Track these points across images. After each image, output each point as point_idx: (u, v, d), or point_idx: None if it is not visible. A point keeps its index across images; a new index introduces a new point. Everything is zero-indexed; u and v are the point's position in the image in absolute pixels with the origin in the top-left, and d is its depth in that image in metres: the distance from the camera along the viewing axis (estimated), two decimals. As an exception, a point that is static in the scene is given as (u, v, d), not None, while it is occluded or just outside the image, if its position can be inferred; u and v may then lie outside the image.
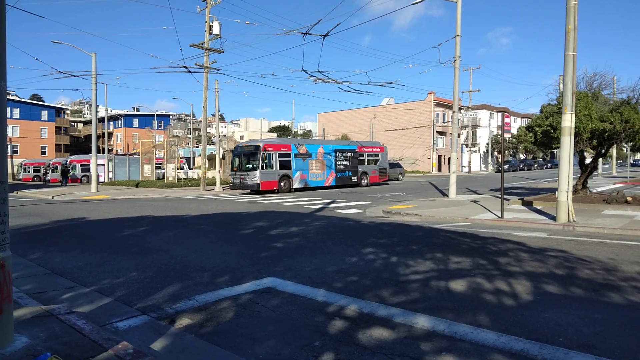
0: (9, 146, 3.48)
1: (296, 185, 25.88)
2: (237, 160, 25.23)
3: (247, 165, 24.43)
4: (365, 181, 30.32)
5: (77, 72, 25.36)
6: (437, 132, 60.08)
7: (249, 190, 25.43)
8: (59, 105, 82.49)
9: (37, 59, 36.25)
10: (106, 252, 7.76)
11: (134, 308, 4.68)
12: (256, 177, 23.59)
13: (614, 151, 36.57)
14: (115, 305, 4.83)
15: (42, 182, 47.22)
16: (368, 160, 30.98)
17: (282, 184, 24.96)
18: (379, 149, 32.53)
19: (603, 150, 15.90)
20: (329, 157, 28.16)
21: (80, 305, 4.78)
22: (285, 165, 25.28)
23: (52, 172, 46.94)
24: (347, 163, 29.26)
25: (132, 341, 3.62)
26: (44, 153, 69.71)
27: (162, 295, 5.13)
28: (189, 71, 21.97)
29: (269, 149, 24.36)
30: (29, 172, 53.98)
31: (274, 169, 24.55)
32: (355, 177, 29.57)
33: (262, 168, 23.80)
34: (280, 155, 25.04)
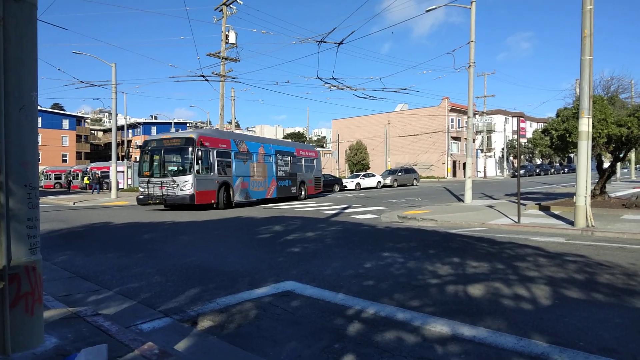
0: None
1: (237, 197, 19.58)
2: (152, 160, 18.11)
3: (172, 168, 17.82)
4: (304, 192, 25.35)
5: (98, 82, 25.99)
6: (451, 137, 59.79)
7: (168, 208, 18.85)
8: (79, 114, 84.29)
9: (59, 69, 37.38)
10: (128, 257, 7.93)
11: (156, 310, 4.80)
12: (188, 184, 16.80)
13: (632, 155, 35.94)
14: (139, 307, 4.95)
15: (64, 189, 48.13)
16: (305, 166, 25.99)
17: (222, 195, 18.46)
18: (314, 154, 27.88)
19: (621, 155, 15.70)
20: (270, 160, 22.40)
21: (105, 308, 4.91)
22: (224, 169, 18.89)
23: (73, 179, 47.87)
24: (287, 169, 23.82)
25: (156, 342, 3.71)
26: (65, 161, 71.26)
27: (183, 298, 5.25)
28: (206, 80, 22.37)
29: (206, 144, 17.73)
30: (50, 179, 55.16)
31: (213, 173, 18.02)
32: (295, 188, 24.31)
33: (198, 172, 17.08)
34: (218, 155, 18.51)
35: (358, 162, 55.73)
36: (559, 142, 15.04)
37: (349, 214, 15.41)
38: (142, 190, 17.76)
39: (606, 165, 16.51)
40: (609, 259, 7.07)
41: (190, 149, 17.07)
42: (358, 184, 36.79)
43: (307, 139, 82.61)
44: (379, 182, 38.43)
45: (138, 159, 18.92)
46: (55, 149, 70.74)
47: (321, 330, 4.09)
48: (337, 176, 44.91)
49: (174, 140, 17.86)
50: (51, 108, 79.44)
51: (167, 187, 17.08)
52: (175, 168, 17.88)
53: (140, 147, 18.92)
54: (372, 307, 4.71)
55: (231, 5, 25.89)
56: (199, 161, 16.99)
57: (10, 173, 3.29)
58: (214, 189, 17.92)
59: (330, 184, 34.61)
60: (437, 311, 4.56)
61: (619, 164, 17.77)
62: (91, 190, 37.65)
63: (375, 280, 5.93)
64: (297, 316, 4.51)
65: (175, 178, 17.07)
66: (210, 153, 17.91)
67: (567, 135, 14.27)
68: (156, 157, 17.98)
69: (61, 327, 4.09)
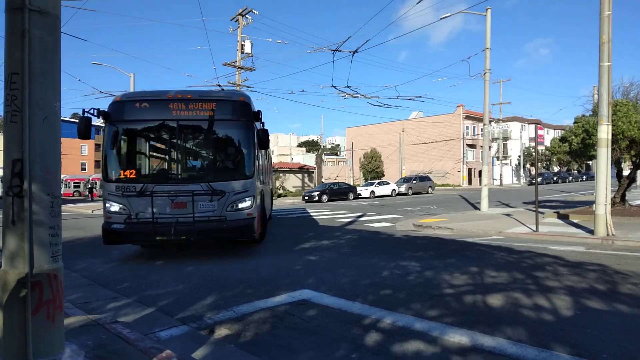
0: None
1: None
2: (146, 146, 9.42)
3: (196, 164, 9.56)
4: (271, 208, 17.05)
5: (117, 92, 26.47)
6: (467, 145, 59.29)
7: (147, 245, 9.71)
8: (98, 124, 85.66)
9: (79, 80, 38.12)
10: (145, 264, 8.00)
11: (174, 318, 4.83)
12: (247, 198, 8.29)
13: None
14: (157, 315, 4.99)
15: (83, 197, 48.81)
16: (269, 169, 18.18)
17: (265, 216, 11.37)
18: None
19: (642, 162, 15.38)
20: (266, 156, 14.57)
21: (123, 315, 4.96)
22: (261, 169, 10.99)
23: (92, 187, 48.57)
24: (266, 172, 15.29)
25: (174, 350, 3.73)
26: (84, 169, 72.65)
27: (200, 306, 5.27)
28: (222, 89, 22.55)
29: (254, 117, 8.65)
30: (69, 187, 56.19)
31: (259, 179, 10.02)
32: (269, 200, 16.01)
33: (256, 177, 8.95)
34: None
35: (372, 170, 55.55)
36: (578, 146, 14.86)
37: (364, 222, 15.34)
38: (119, 209, 7.99)
39: (626, 172, 16.19)
40: (630, 268, 6.91)
41: (245, 125, 8.49)
42: (372, 191, 36.64)
43: (321, 147, 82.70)
44: (394, 190, 38.21)
45: (106, 139, 8.32)
46: (74, 158, 72.04)
47: (338, 340, 4.07)
48: (352, 184, 44.81)
49: (200, 104, 8.36)
50: (71, 118, 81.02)
51: (201, 203, 7.98)
52: (211, 164, 9.15)
53: (105, 114, 8.22)
54: (390, 317, 4.67)
55: (247, 16, 26.19)
56: (255, 152, 8.75)
57: (33, 182, 3.35)
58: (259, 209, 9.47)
59: (344, 192, 34.52)
60: (455, 321, 4.50)
61: (639, 171, 17.39)
62: None
63: (392, 289, 5.89)
64: (314, 325, 4.50)
65: (215, 185, 8.07)
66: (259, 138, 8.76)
67: (588, 138, 14.08)
68: (158, 140, 9.20)
69: (81, 334, 4.14)
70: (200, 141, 9.14)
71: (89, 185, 49.83)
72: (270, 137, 8.78)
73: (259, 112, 8.65)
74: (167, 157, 8.69)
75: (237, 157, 8.77)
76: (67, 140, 70.39)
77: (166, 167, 8.66)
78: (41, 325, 3.42)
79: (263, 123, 8.72)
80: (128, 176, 8.23)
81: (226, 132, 8.75)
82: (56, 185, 3.57)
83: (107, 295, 5.93)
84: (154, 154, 9.44)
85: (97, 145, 79.33)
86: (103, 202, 8.13)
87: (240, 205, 8.26)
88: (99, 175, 51.94)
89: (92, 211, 24.61)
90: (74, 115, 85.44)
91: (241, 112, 8.46)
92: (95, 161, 77.60)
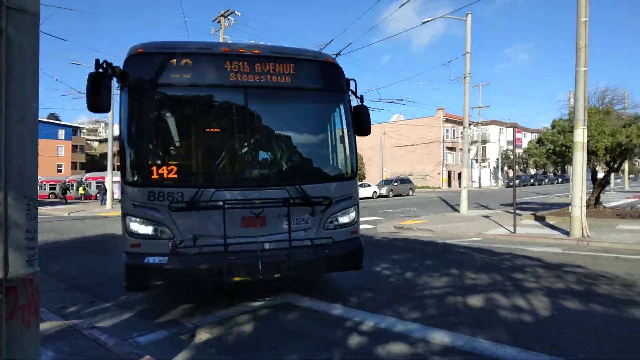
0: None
1: None
2: (181, 129, 5.47)
3: (275, 157, 5.60)
4: None
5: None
6: (446, 147, 60.06)
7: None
8: (75, 125, 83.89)
9: (56, 80, 37.29)
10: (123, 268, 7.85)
11: (153, 323, 4.75)
12: (349, 208, 5.46)
13: (626, 165, 36.15)
14: (136, 320, 4.91)
15: (59, 199, 47.69)
16: None
17: None
18: None
19: (616, 165, 15.80)
20: None
21: (101, 320, 4.86)
22: None
23: (68, 189, 47.43)
24: None
25: (153, 355, 3.67)
26: (60, 171, 71.06)
27: (180, 310, 5.20)
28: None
29: None
30: (45, 189, 54.91)
31: None
32: None
33: None
34: None
35: (354, 172, 55.80)
36: (555, 157, 15.24)
37: (345, 225, 15.38)
38: (154, 230, 4.82)
39: (600, 175, 16.61)
40: (605, 269, 7.09)
41: (339, 98, 5.65)
42: (354, 194, 36.79)
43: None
44: (375, 192, 38.44)
45: (125, 115, 4.83)
46: (50, 159, 70.46)
47: (320, 342, 4.07)
48: (333, 186, 44.91)
49: (273, 64, 5.27)
50: (47, 118, 79.26)
51: (295, 219, 5.03)
52: (299, 158, 5.78)
53: (122, 74, 4.81)
54: (372, 319, 4.68)
55: (229, 17, 26.02)
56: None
57: (9, 184, 3.25)
58: None
59: (326, 194, 34.58)
60: (436, 323, 4.54)
61: (612, 174, 17.86)
62: (100, 201, 36.22)
63: (373, 291, 5.92)
64: (296, 328, 4.49)
65: (310, 189, 5.16)
66: None
67: (566, 150, 14.32)
68: (210, 118, 5.55)
69: (57, 340, 4.05)
70: (277, 121, 5.76)
71: (64, 187, 48.71)
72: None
73: (352, 81, 5.78)
74: (228, 145, 5.30)
75: (332, 146, 5.93)
76: (43, 141, 68.79)
77: (231, 162, 5.33)
78: (16, 332, 3.31)
79: (361, 98, 5.88)
80: (166, 176, 4.91)
81: (314, 108, 5.99)
82: (33, 188, 3.47)
83: (84, 299, 5.80)
84: (206, 140, 5.63)
85: (74, 147, 77.81)
86: (123, 219, 4.91)
87: (342, 220, 5.43)
88: (76, 177, 51.05)
89: (69, 214, 24.11)
90: (51, 116, 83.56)
91: (333, 78, 5.63)
92: (72, 162, 76.07)
